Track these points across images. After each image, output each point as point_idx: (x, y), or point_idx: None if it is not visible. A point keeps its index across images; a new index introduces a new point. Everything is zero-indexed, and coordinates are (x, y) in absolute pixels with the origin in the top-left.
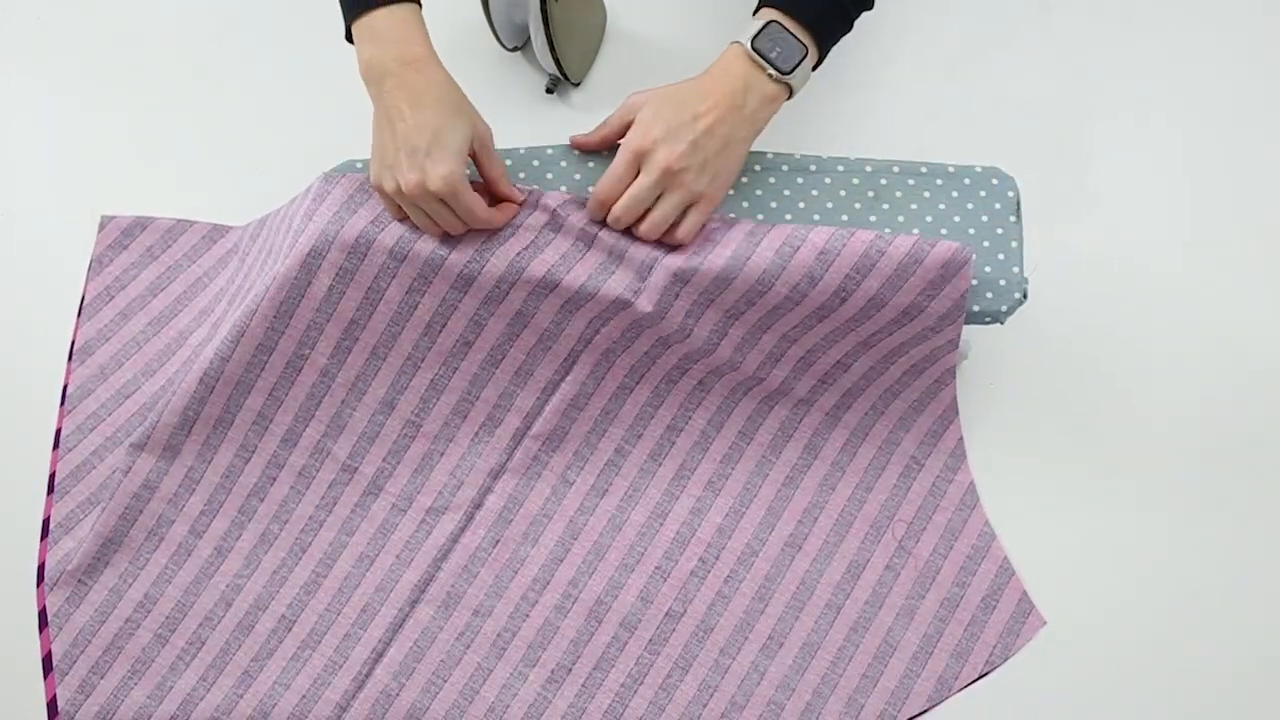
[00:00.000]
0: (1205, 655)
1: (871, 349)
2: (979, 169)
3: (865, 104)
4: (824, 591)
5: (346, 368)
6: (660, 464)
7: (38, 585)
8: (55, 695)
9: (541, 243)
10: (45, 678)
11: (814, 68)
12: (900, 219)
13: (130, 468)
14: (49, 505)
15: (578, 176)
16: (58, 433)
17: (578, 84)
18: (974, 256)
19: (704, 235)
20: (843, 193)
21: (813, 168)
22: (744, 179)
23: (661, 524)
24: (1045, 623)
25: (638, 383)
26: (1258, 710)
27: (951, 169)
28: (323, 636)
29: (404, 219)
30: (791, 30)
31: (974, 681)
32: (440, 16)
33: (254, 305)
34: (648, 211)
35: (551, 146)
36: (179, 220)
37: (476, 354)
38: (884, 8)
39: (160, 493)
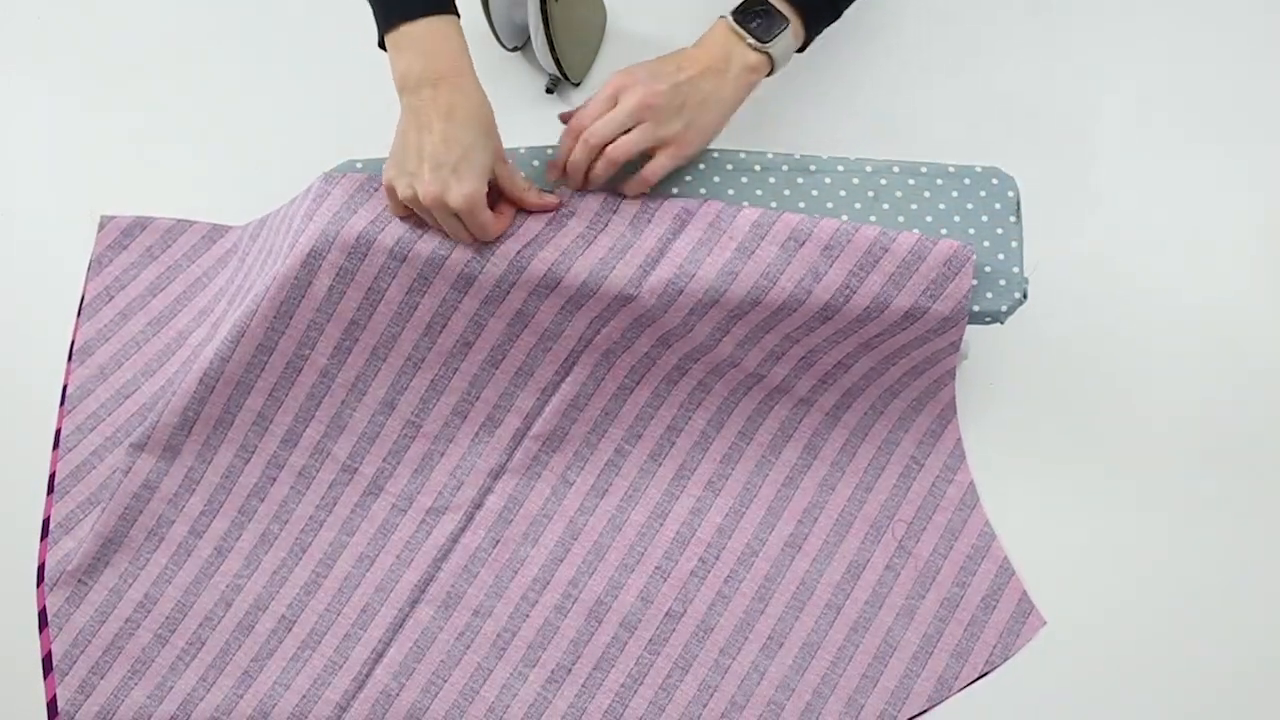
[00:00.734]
0: (1205, 655)
1: (873, 350)
2: (979, 169)
3: (865, 104)
4: (824, 591)
5: (346, 368)
6: (660, 464)
7: (38, 585)
8: (55, 695)
9: (543, 239)
10: (45, 678)
11: (801, 49)
12: (900, 219)
13: (130, 468)
14: (49, 505)
15: None
16: (58, 433)
17: (578, 84)
18: (975, 256)
19: (710, 224)
20: (843, 193)
21: (813, 168)
22: (744, 179)
23: (661, 524)
24: (1045, 623)
25: (638, 383)
26: (1258, 710)
27: (951, 169)
28: (323, 637)
29: (406, 216)
30: (774, 4)
31: (974, 681)
32: None
33: (254, 305)
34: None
35: (552, 146)
36: (179, 220)
37: (476, 354)
38: (884, 7)
39: (160, 493)
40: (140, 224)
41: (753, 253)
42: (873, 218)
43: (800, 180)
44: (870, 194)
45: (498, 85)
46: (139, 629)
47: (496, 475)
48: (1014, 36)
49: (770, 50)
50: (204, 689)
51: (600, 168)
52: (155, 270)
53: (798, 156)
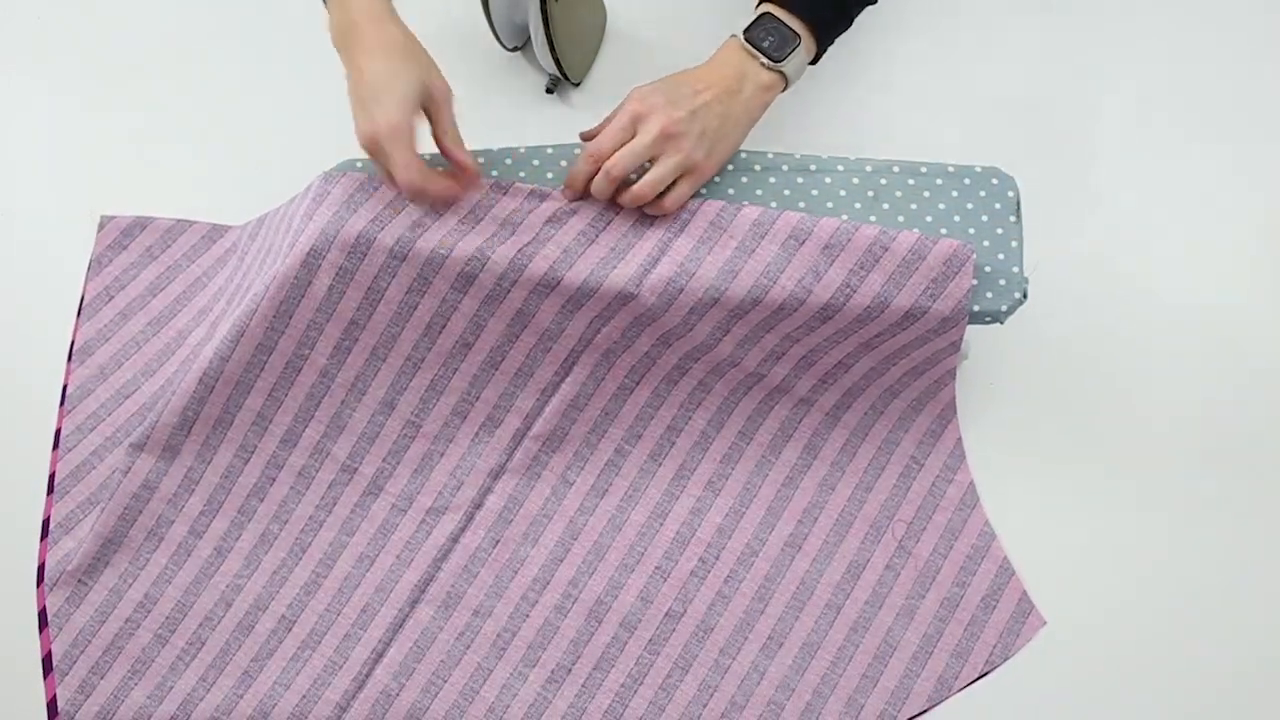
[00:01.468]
0: (1205, 655)
1: (873, 350)
2: (979, 168)
3: (865, 104)
4: (824, 591)
5: (346, 368)
6: (660, 464)
7: (38, 585)
8: (55, 695)
9: (544, 238)
10: (45, 678)
11: (814, 61)
12: (900, 219)
13: (130, 468)
14: (49, 505)
15: None
16: (57, 433)
17: (578, 84)
18: (975, 255)
19: (710, 223)
20: (843, 193)
21: (813, 168)
22: (744, 179)
23: (661, 524)
24: (1045, 623)
25: (638, 383)
26: (1258, 710)
27: (951, 169)
28: (323, 637)
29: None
30: (785, 21)
31: (974, 681)
32: (441, 17)
33: (254, 305)
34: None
35: (552, 146)
36: (178, 220)
37: (476, 355)
38: (884, 7)
39: (160, 493)
40: (140, 224)
41: (753, 251)
42: (873, 217)
43: (800, 180)
44: (870, 194)
45: (498, 85)
46: (139, 629)
47: (496, 475)
48: (1014, 36)
49: (784, 69)
50: (204, 689)
51: (625, 201)
52: (155, 270)
53: (798, 156)
